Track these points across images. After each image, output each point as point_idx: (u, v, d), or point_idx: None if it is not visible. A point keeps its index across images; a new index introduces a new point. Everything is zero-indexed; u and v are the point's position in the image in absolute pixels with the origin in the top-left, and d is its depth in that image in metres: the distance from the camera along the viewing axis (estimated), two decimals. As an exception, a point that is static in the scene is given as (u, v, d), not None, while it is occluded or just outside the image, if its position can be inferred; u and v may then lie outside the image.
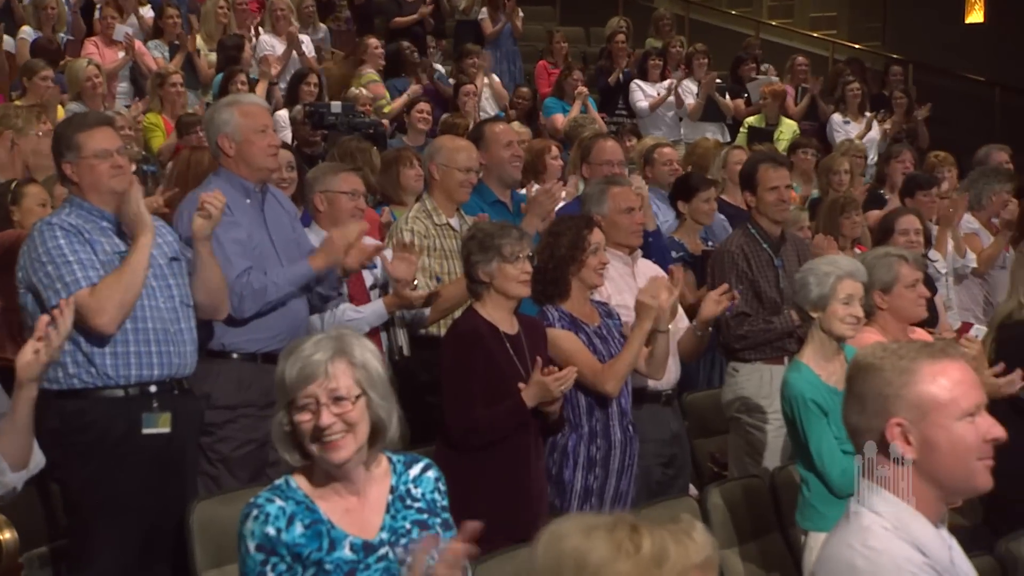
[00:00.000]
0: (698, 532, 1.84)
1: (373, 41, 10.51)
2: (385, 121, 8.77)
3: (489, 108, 10.78)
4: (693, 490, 5.46)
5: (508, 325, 4.42)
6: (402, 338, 5.32)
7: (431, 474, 2.98)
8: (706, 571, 1.84)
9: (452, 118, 8.66)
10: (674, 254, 6.37)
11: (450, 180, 5.51)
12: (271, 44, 10.61)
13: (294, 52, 10.41)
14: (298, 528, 2.76)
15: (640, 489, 4.92)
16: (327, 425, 2.74)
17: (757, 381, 5.50)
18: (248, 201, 4.69)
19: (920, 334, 5.00)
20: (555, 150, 7.26)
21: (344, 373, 2.77)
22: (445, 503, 2.99)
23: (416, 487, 2.95)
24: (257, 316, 4.58)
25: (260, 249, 4.64)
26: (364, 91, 9.33)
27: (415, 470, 2.97)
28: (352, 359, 2.79)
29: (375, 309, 5.13)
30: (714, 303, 5.06)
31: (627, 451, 4.71)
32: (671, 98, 11.26)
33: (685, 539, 1.82)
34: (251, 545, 2.74)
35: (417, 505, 2.93)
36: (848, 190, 8.08)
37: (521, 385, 4.28)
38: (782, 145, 10.27)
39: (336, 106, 7.55)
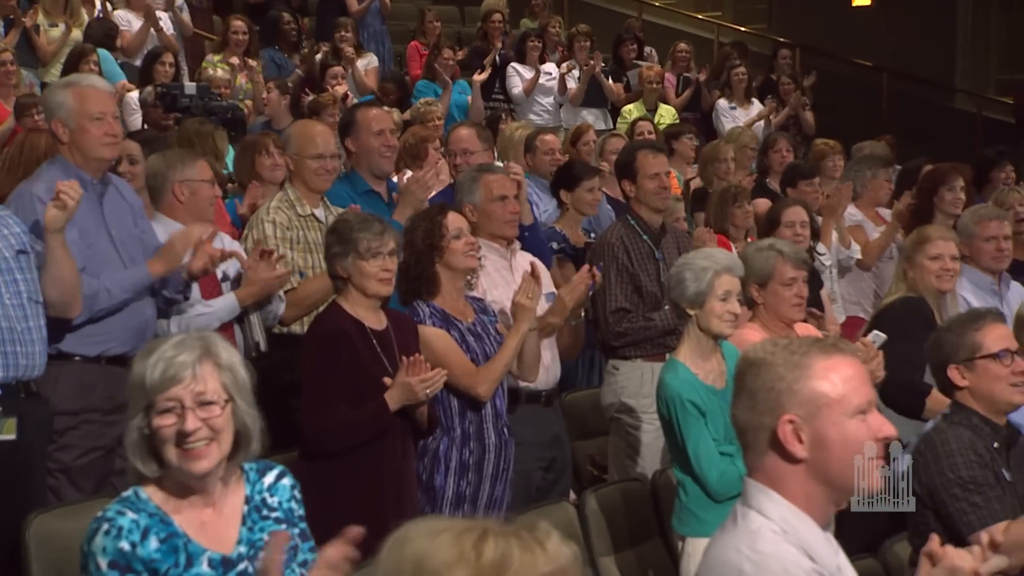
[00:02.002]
0: (553, 541, 1.82)
1: (238, 24, 10.25)
2: (248, 103, 8.66)
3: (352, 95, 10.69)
4: (572, 494, 5.50)
5: (375, 321, 4.38)
6: (258, 333, 5.24)
7: (286, 481, 2.97)
8: None
9: (318, 99, 8.55)
10: (555, 245, 6.40)
11: (303, 169, 5.41)
12: (127, 19, 10.39)
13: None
14: (153, 542, 2.71)
15: (520, 494, 4.94)
16: (192, 430, 2.71)
17: (638, 379, 5.54)
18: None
19: (807, 329, 5.07)
20: (438, 140, 7.23)
21: (211, 376, 2.75)
22: (302, 512, 2.97)
23: (272, 496, 2.93)
24: (96, 319, 4.49)
25: (96, 247, 4.54)
26: (220, 72, 9.19)
27: (269, 478, 2.94)
28: (219, 361, 2.76)
29: (226, 303, 5.04)
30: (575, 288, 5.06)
31: (502, 455, 4.71)
32: (549, 83, 11.30)
33: (536, 547, 1.80)
34: (103, 562, 2.67)
35: (275, 515, 2.91)
36: (734, 179, 8.21)
37: (387, 380, 4.26)
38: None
39: (190, 87, 7.42)
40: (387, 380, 4.25)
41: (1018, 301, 5.92)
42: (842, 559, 2.47)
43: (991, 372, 3.87)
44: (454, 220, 4.67)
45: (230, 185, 6.82)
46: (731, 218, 6.85)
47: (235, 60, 9.97)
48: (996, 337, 3.92)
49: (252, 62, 10.09)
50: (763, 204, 7.48)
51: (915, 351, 4.92)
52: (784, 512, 2.37)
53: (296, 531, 2.94)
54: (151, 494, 2.78)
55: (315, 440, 4.28)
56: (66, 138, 4.58)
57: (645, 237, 5.71)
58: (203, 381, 2.72)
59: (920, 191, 7.18)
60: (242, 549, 2.82)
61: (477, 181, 5.26)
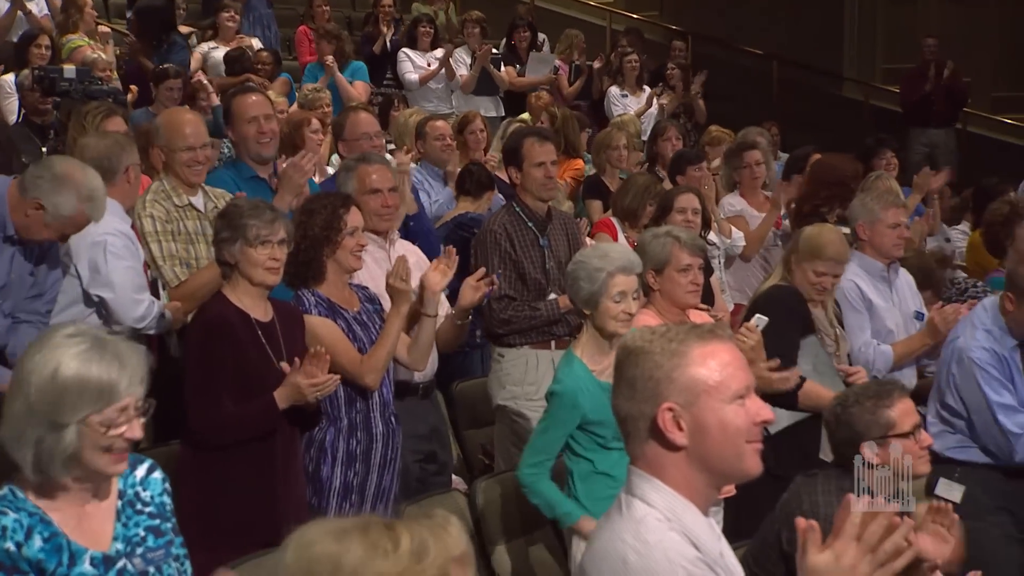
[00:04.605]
0: (453, 526, 1.88)
1: None
2: (133, 88, 8.49)
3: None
4: (463, 484, 5.51)
5: (261, 312, 4.33)
6: (173, 340, 5.19)
7: (157, 475, 2.96)
8: (463, 565, 1.87)
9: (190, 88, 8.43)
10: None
11: (174, 162, 5.30)
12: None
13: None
14: (37, 542, 2.68)
15: (399, 487, 4.91)
16: (140, 438, 2.73)
17: (523, 367, 5.54)
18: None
19: (700, 316, 5.12)
20: (315, 123, 7.12)
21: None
22: (172, 506, 2.98)
23: (144, 490, 2.92)
24: None
25: None
26: (103, 55, 9.01)
27: (140, 471, 2.93)
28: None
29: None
30: (472, 289, 5.00)
31: (389, 444, 4.69)
32: (442, 70, 11.26)
33: (443, 533, 1.86)
34: None
35: (148, 510, 2.91)
36: (628, 166, 8.26)
37: (285, 366, 4.22)
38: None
39: (70, 71, 7.23)
40: (285, 366, 4.21)
41: (905, 288, 6.03)
42: (724, 545, 2.50)
43: (903, 450, 3.86)
44: (354, 217, 4.63)
45: None
46: (642, 210, 6.91)
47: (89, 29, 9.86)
48: (905, 413, 3.89)
49: (104, 29, 9.92)
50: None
51: (783, 344, 4.97)
52: (668, 499, 2.39)
53: (168, 525, 2.94)
54: (28, 494, 2.73)
55: (202, 434, 4.24)
56: (26, 211, 4.58)
57: (530, 224, 5.69)
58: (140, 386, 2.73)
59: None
60: (119, 546, 2.81)
61: (353, 171, 5.20)
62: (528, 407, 5.47)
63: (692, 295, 4.96)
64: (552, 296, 5.54)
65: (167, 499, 2.96)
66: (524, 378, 5.52)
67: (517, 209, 5.73)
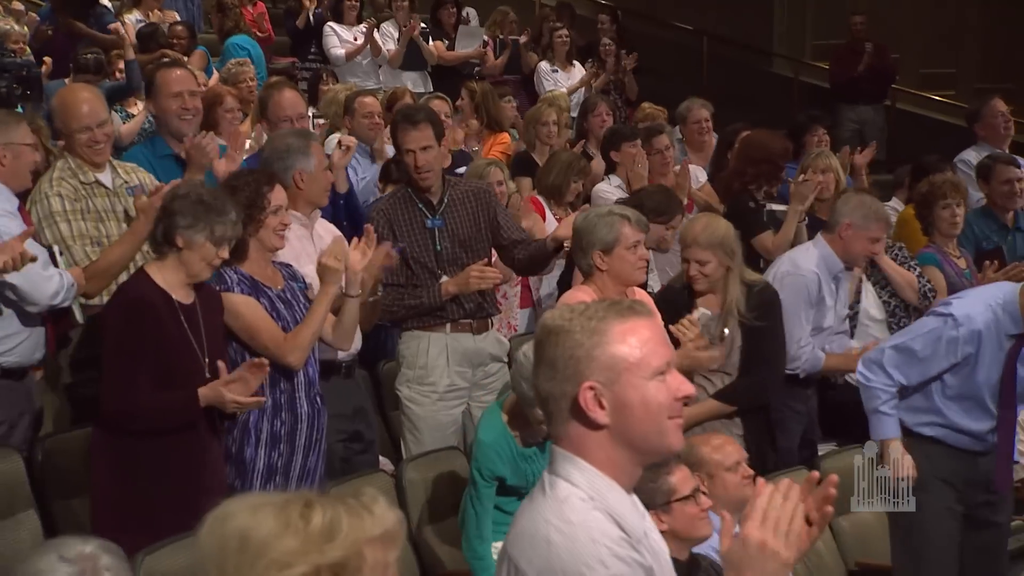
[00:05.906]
0: (379, 506, 1.87)
1: None
2: (47, 60, 8.31)
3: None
4: (389, 465, 5.48)
5: (183, 294, 4.29)
6: (74, 306, 5.08)
7: None
8: (386, 544, 1.86)
9: (84, 52, 8.25)
10: None
11: (74, 144, 5.13)
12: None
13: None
14: None
15: (324, 467, 4.88)
16: None
17: (415, 349, 5.43)
18: None
19: (640, 293, 5.10)
20: (230, 101, 6.89)
21: None
22: None
23: None
24: None
25: None
26: (16, 26, 8.82)
27: None
28: None
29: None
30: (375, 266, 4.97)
31: (315, 425, 4.66)
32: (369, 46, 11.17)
33: (363, 512, 1.84)
34: None
35: None
36: (558, 143, 8.24)
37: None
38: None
39: (-20, 43, 7.12)
40: (222, 366, 4.18)
41: (844, 294, 6.05)
42: (648, 523, 2.51)
43: (687, 513, 3.85)
44: (278, 195, 4.59)
45: None
46: (566, 187, 6.88)
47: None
48: (684, 479, 3.89)
49: (17, 5, 9.75)
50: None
51: None
52: (591, 478, 2.38)
53: None
54: None
55: (115, 419, 4.19)
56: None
57: (420, 206, 5.47)
58: None
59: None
60: None
61: (310, 148, 5.10)
62: (419, 391, 5.40)
63: (641, 271, 4.94)
64: (443, 279, 5.38)
65: None
66: (415, 360, 5.41)
67: (409, 190, 5.50)
